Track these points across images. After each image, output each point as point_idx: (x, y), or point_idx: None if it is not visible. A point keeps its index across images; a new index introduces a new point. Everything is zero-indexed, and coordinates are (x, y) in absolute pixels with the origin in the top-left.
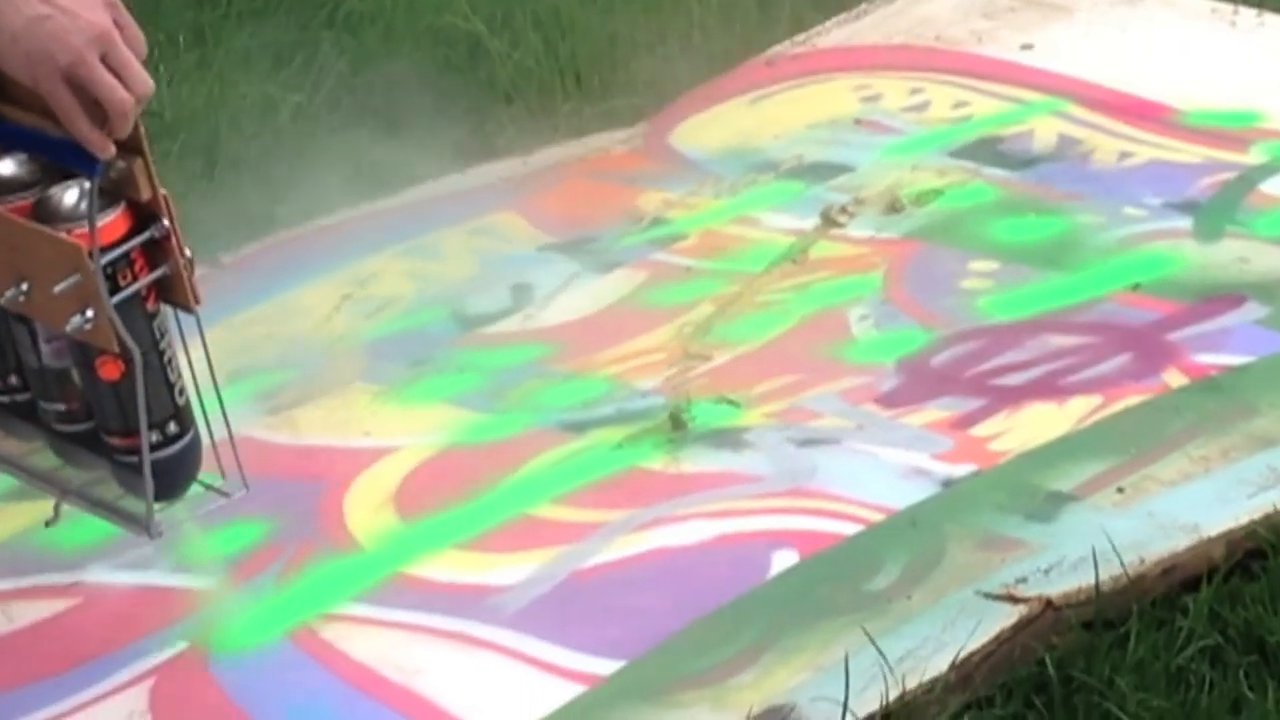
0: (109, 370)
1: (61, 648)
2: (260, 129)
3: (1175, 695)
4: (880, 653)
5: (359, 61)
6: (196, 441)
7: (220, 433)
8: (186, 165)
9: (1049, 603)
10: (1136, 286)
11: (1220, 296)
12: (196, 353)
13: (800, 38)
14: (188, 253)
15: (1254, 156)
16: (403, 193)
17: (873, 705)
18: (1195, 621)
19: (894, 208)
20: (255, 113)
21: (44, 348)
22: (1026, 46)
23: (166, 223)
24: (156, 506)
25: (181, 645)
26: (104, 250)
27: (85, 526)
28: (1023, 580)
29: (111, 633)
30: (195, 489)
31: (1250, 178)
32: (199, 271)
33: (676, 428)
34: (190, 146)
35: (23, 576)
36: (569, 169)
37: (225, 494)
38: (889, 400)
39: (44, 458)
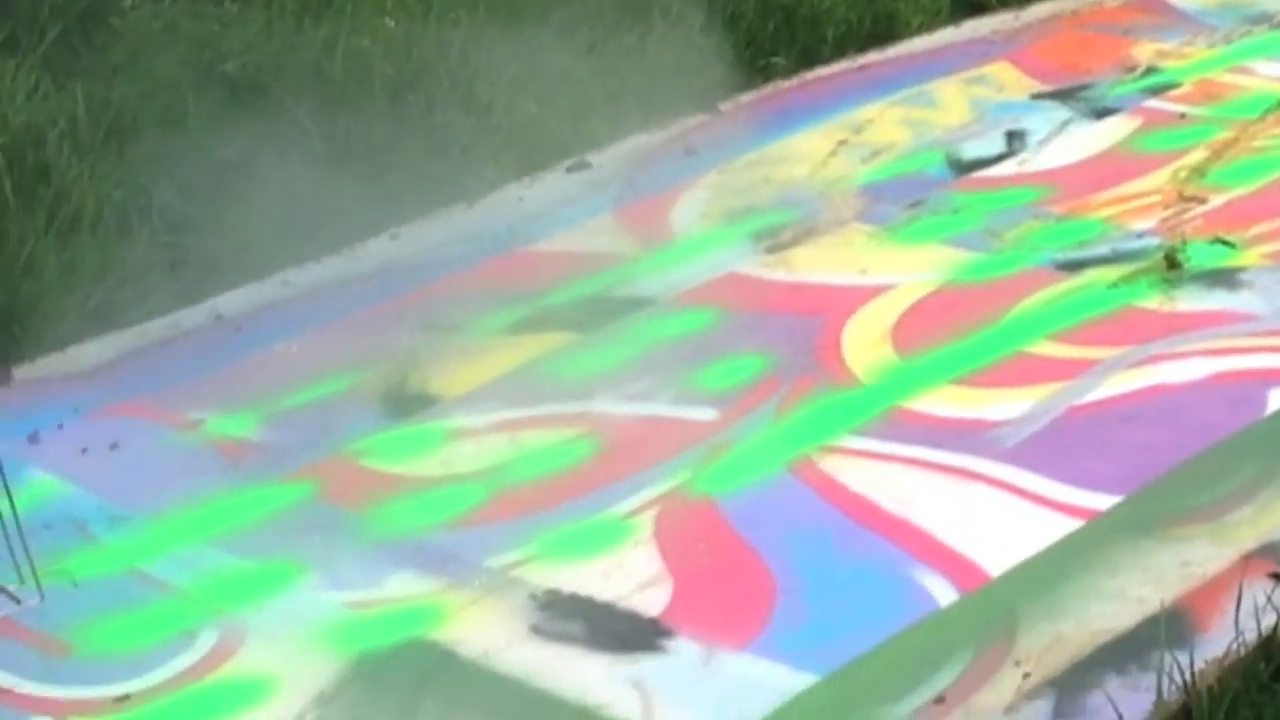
0: None
1: (569, 476)
2: None
3: None
4: None
5: None
6: None
7: None
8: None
9: None
10: None
11: None
12: None
13: None
14: None
15: None
16: (896, 45)
17: None
18: None
19: None
20: None
21: None
22: None
23: None
24: None
25: (685, 475)
26: None
27: (592, 357)
28: None
29: (617, 462)
30: None
31: None
32: None
33: (1172, 267)
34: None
35: (532, 405)
36: (1061, 22)
37: (16, 600)
38: None
39: None
